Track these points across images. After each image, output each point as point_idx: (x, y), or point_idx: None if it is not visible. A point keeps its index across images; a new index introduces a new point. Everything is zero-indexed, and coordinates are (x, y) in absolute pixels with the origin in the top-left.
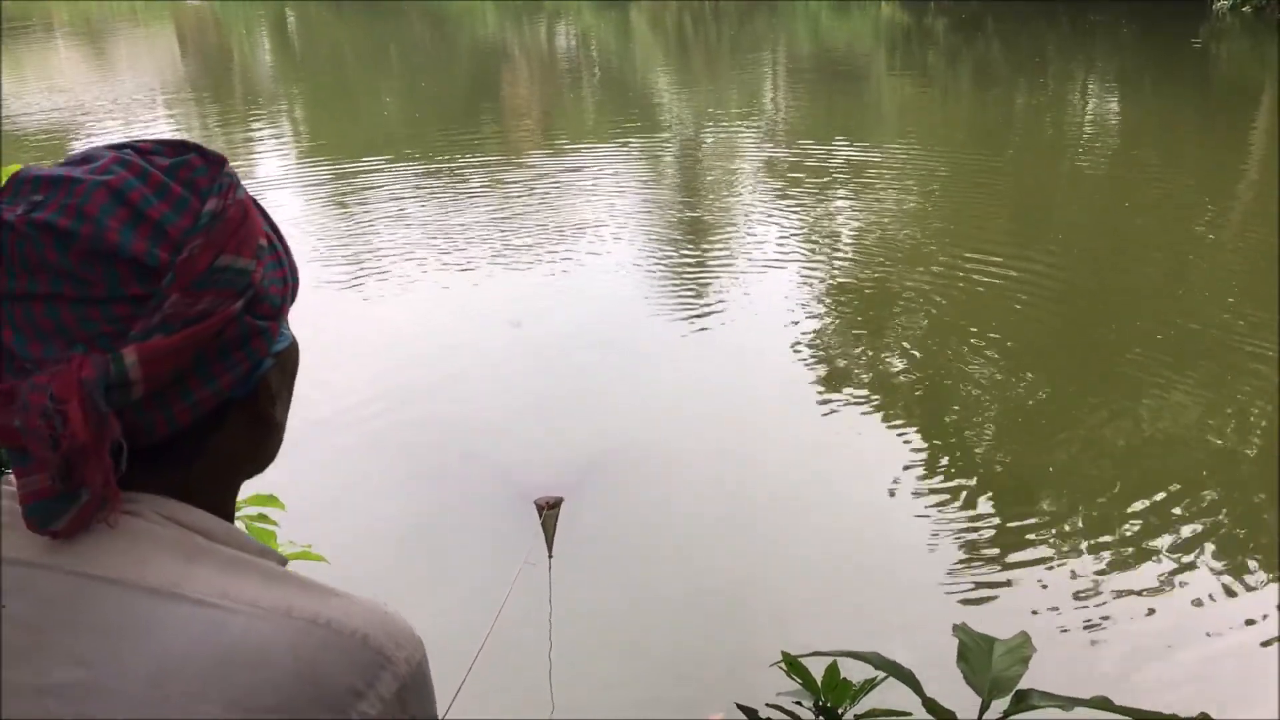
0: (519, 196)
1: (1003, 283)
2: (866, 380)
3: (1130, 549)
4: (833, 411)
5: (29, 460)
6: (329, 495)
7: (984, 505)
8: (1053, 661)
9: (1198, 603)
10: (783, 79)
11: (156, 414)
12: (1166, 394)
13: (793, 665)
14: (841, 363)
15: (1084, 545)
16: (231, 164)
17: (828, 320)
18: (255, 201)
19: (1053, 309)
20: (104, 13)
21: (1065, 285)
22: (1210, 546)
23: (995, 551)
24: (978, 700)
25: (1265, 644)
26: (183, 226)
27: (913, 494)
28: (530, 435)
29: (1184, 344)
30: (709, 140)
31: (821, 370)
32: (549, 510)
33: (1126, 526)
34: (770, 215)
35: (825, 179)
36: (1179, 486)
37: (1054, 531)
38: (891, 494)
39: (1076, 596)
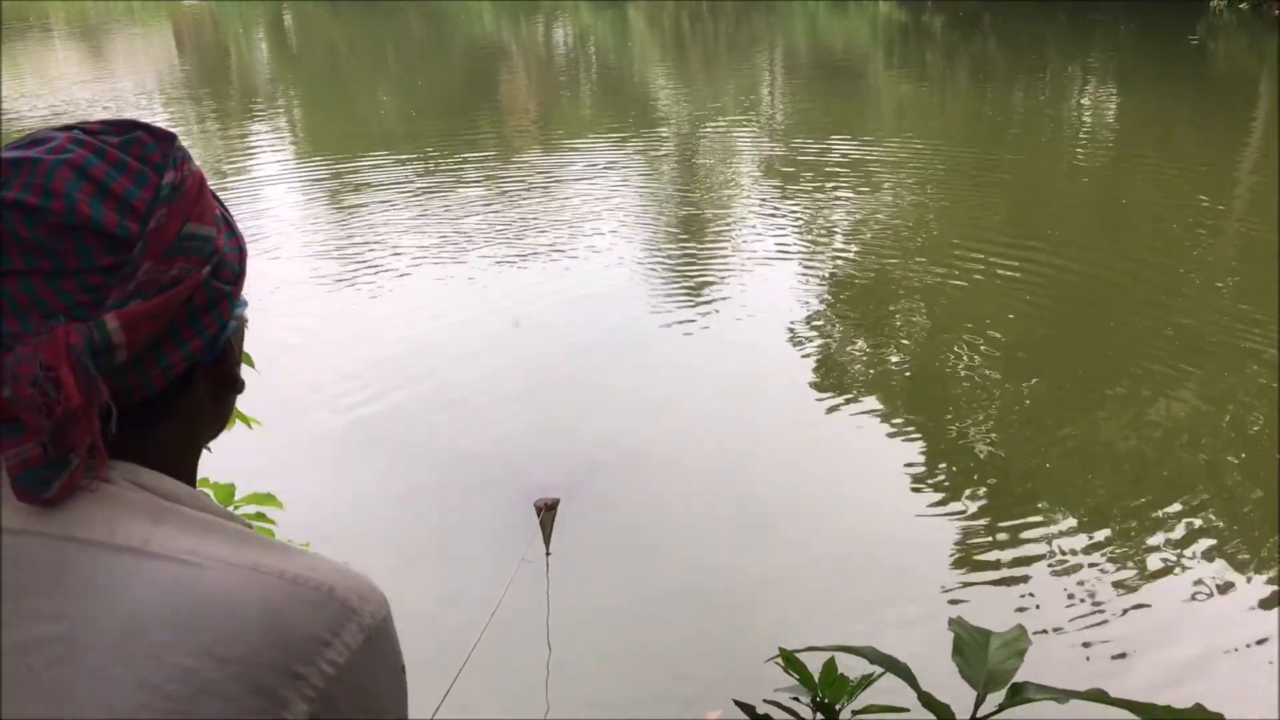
0: (517, 194)
1: (1001, 279)
2: (864, 377)
3: (1127, 544)
4: (830, 408)
5: (18, 431)
6: (327, 494)
7: (981, 501)
8: (1049, 656)
9: (1195, 598)
10: (780, 77)
11: (135, 378)
12: (1164, 390)
13: (790, 661)
14: (839, 360)
15: (1081, 541)
16: (229, 162)
17: (826, 317)
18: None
19: (1051, 305)
20: (101, 12)
21: (1064, 281)
22: (1208, 542)
23: (993, 547)
24: (974, 694)
25: (1262, 641)
26: (145, 198)
27: (910, 490)
28: (528, 433)
29: (1182, 340)
30: (707, 138)
31: (819, 367)
32: (547, 511)
33: (1123, 522)
34: (769, 212)
35: (823, 176)
36: (1177, 482)
37: (1051, 527)
38: (889, 490)
39: (1073, 591)
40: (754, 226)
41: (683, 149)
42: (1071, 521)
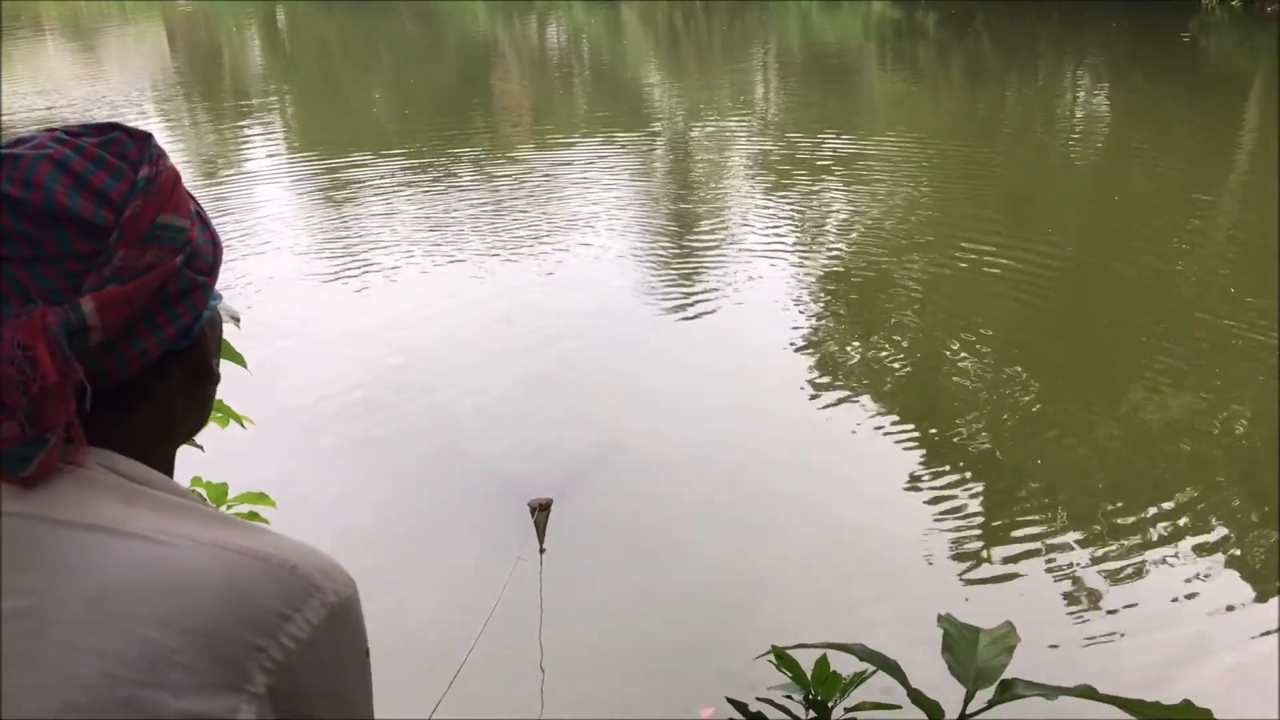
0: (510, 191)
1: (995, 275)
2: (859, 374)
3: (1119, 541)
4: (824, 406)
5: None
6: (319, 493)
7: (973, 497)
8: (1039, 653)
9: (1188, 596)
10: (774, 74)
11: (109, 360)
12: (1159, 385)
13: (782, 659)
14: (834, 357)
15: (1073, 537)
16: (221, 159)
17: (820, 314)
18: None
19: (1045, 301)
20: (93, 12)
21: (1058, 277)
22: (1201, 539)
23: (984, 543)
24: (964, 691)
25: (1256, 638)
26: (122, 190)
27: (901, 486)
28: (521, 432)
29: (1177, 334)
30: (700, 135)
31: (813, 365)
32: (540, 511)
33: (1116, 518)
34: (762, 208)
35: (817, 173)
36: (1170, 478)
37: (1043, 524)
38: (878, 487)
39: (1064, 588)
40: (748, 223)
41: (676, 146)
42: (1064, 518)
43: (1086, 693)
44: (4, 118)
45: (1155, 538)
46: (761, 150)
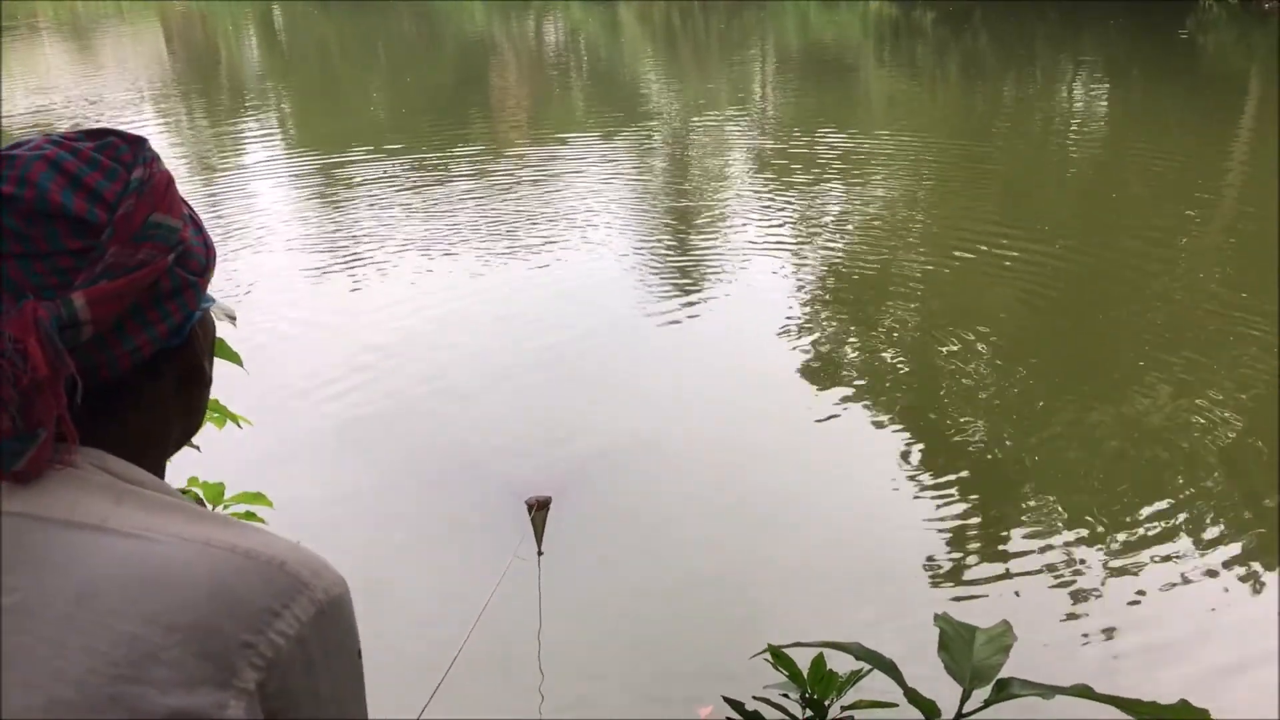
0: (507, 189)
1: (993, 273)
2: (856, 372)
3: (1118, 540)
4: (822, 404)
5: None
6: (316, 492)
7: (972, 496)
8: (1036, 652)
9: (1186, 595)
10: (771, 73)
11: (100, 356)
12: (1158, 381)
13: (779, 657)
14: (831, 355)
15: (1071, 536)
16: (217, 157)
17: (818, 313)
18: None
19: (1042, 298)
20: (90, 12)
21: (1055, 274)
22: (1200, 537)
23: (982, 542)
24: (960, 690)
25: (1255, 637)
26: (115, 190)
27: (902, 485)
28: (519, 430)
29: (1175, 332)
30: (698, 132)
31: (811, 363)
32: (539, 509)
33: (1115, 516)
34: (760, 205)
35: (815, 169)
36: (1170, 475)
37: (1041, 522)
38: (876, 485)
39: (1062, 587)
40: (746, 220)
41: (674, 143)
42: (1062, 516)
43: (1083, 692)
44: (2, 118)
45: (1153, 537)
46: (760, 148)
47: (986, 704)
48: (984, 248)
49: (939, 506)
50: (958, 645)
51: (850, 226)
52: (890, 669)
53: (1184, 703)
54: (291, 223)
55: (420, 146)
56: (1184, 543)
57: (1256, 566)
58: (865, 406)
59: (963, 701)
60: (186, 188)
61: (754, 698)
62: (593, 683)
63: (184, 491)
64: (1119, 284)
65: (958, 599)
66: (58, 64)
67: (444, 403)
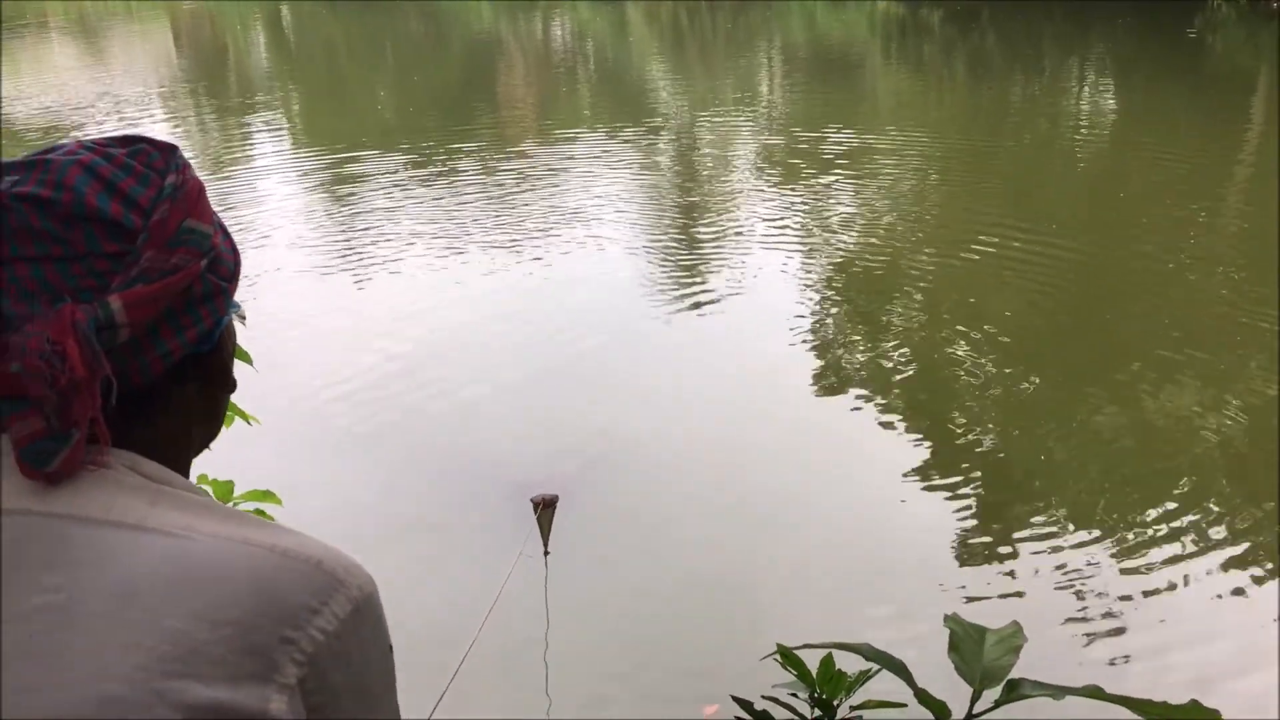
0: (515, 186)
1: (999, 271)
2: (863, 370)
3: (1127, 540)
4: (829, 401)
5: (24, 405)
6: (324, 491)
7: (979, 495)
8: (1046, 653)
9: (1196, 594)
10: (778, 71)
11: (134, 361)
12: (1164, 380)
13: (788, 658)
14: (838, 353)
15: (1080, 536)
16: (225, 155)
17: (824, 310)
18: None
19: (1049, 296)
20: (99, 11)
21: (1062, 273)
22: (1210, 537)
23: (991, 542)
24: (970, 691)
25: (1264, 637)
26: (149, 196)
27: (908, 484)
28: (525, 428)
29: (1182, 330)
30: (705, 131)
31: (817, 361)
32: (545, 508)
33: (1122, 516)
34: (766, 205)
35: (822, 168)
36: (1177, 475)
37: (1050, 522)
38: (886, 485)
39: (1072, 587)
40: (752, 218)
41: (681, 142)
42: (1070, 516)
43: (1094, 693)
44: (10, 116)
45: (1161, 537)
46: (766, 146)
47: (997, 704)
48: (991, 246)
49: (945, 506)
50: (968, 646)
51: (857, 225)
52: (900, 670)
53: (1194, 703)
54: (299, 221)
55: (428, 145)
56: (1191, 543)
57: (1263, 568)
58: (871, 405)
59: (973, 702)
60: None
61: (763, 697)
62: (599, 681)
63: None
64: (1126, 283)
65: (965, 600)
66: (66, 63)
67: (450, 400)
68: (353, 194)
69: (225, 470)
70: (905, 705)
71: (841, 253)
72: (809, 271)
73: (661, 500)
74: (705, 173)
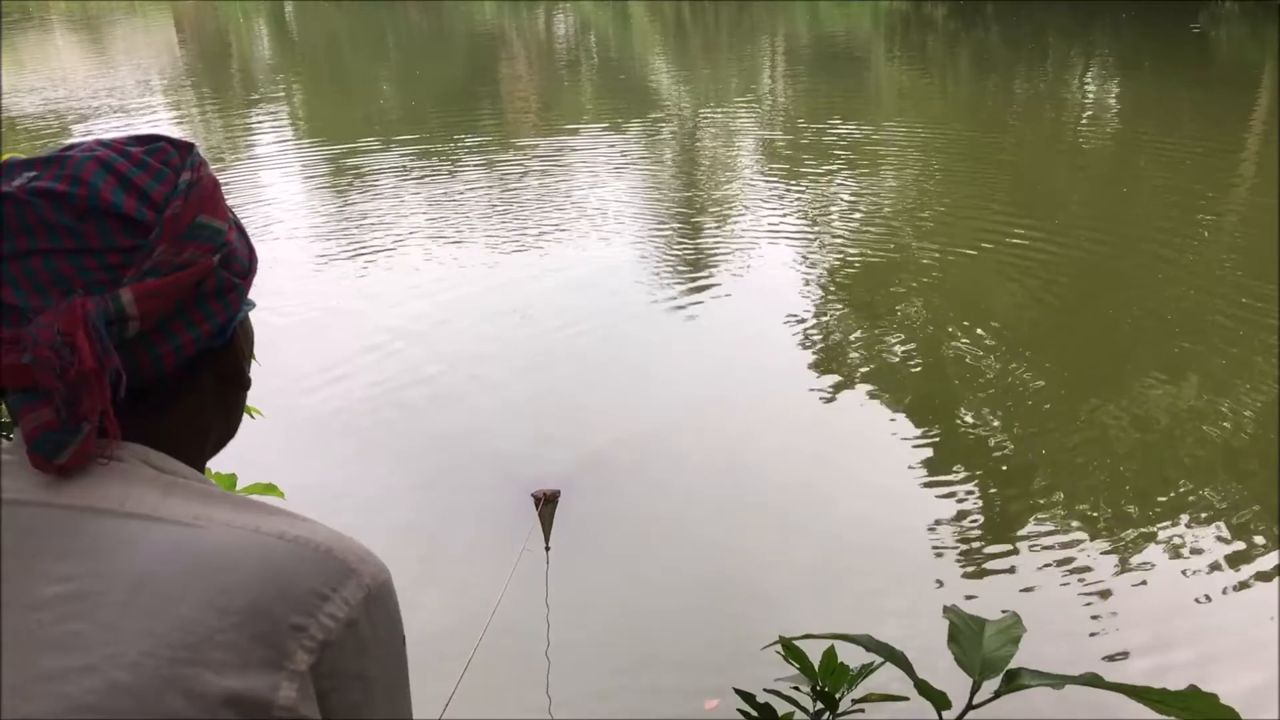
0: (517, 180)
1: (1003, 266)
2: (864, 365)
3: (1126, 532)
4: (831, 395)
5: (35, 397)
6: (326, 485)
7: (980, 488)
8: (1046, 643)
9: (1195, 586)
10: (781, 65)
11: (145, 354)
12: (1166, 375)
13: (789, 649)
14: (840, 348)
15: (1080, 528)
16: (227, 148)
17: (828, 305)
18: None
19: (1052, 290)
20: (101, 5)
21: (1066, 268)
22: (1209, 530)
23: (992, 534)
24: (970, 681)
25: (1263, 628)
26: (163, 191)
27: (911, 479)
28: (526, 422)
29: (1185, 325)
30: (708, 123)
31: (819, 356)
32: (546, 503)
33: (1123, 508)
34: (770, 197)
35: (825, 161)
36: (1177, 468)
37: (1050, 514)
38: (887, 478)
39: (1071, 579)
40: (756, 211)
41: (684, 135)
42: (1071, 508)
43: (1093, 681)
44: (13, 110)
45: (1162, 529)
46: (769, 139)
47: (997, 694)
48: (994, 241)
49: (948, 500)
50: (967, 637)
51: (860, 219)
52: (901, 661)
53: (1193, 688)
54: (302, 213)
55: (430, 138)
56: (1193, 535)
57: (1271, 560)
58: (874, 400)
59: (973, 692)
60: None
61: (765, 689)
62: (600, 676)
63: None
64: (1130, 278)
65: (967, 593)
66: (69, 56)
67: (451, 393)
68: (356, 186)
69: (226, 463)
70: (907, 699)
71: (844, 247)
72: (812, 266)
73: (663, 495)
74: (707, 166)
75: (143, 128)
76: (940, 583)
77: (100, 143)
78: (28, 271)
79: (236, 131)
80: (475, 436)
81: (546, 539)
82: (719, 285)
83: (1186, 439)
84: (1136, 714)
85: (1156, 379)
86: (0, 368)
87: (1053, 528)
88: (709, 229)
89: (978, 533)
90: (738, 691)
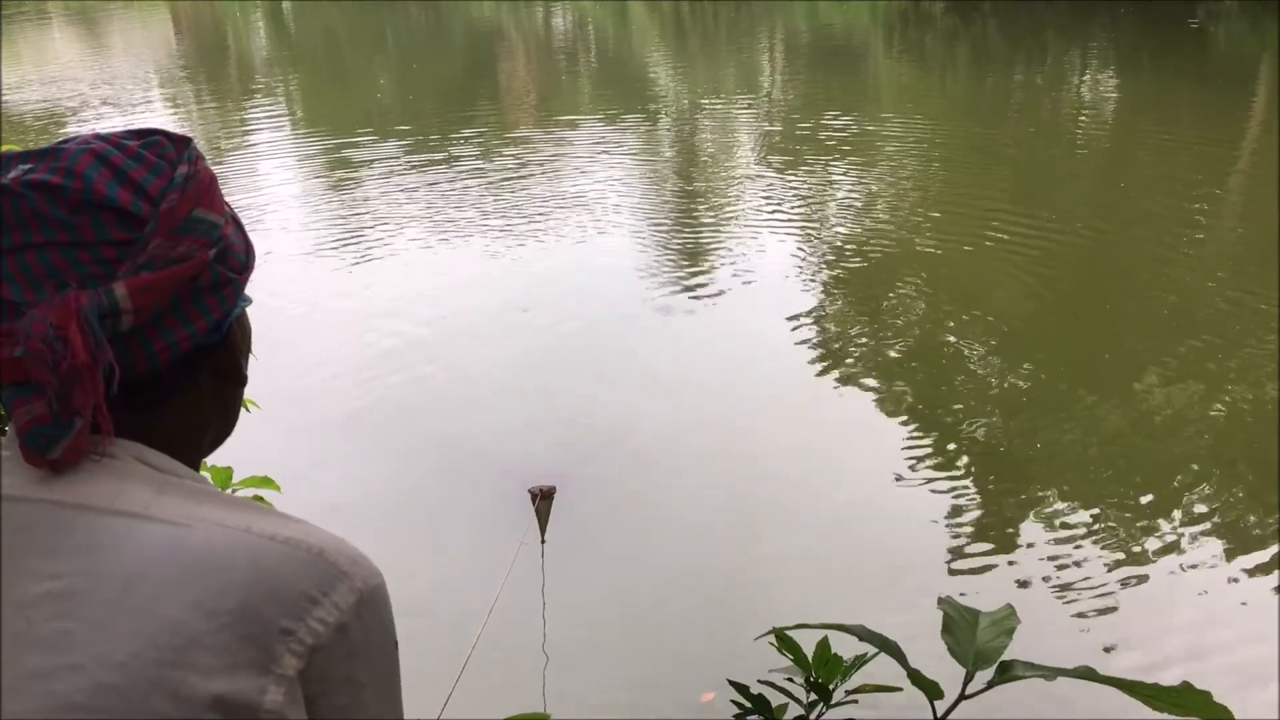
0: (515, 174)
1: (1000, 260)
2: (863, 360)
3: (1122, 525)
4: (828, 391)
5: (28, 390)
6: (322, 478)
7: (976, 481)
8: (1040, 636)
9: (1190, 580)
10: (780, 60)
11: (140, 350)
12: (1164, 370)
13: (783, 640)
14: (838, 343)
15: (1075, 521)
16: (225, 141)
17: (825, 299)
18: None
19: (1049, 285)
20: (99, 1)
21: (1064, 263)
22: (1204, 525)
23: (987, 527)
24: (964, 672)
25: (1258, 623)
26: (159, 185)
27: (908, 474)
28: (523, 417)
29: (1184, 320)
30: (707, 119)
31: (816, 350)
32: (543, 499)
33: (1119, 502)
34: (767, 193)
35: (823, 157)
36: (1173, 462)
37: (1045, 507)
38: (885, 474)
39: (1066, 572)
40: (753, 206)
41: (682, 129)
42: (1066, 501)
43: (1086, 674)
44: (11, 104)
45: (1158, 522)
46: (768, 133)
47: (990, 685)
48: (991, 236)
49: (944, 495)
50: (961, 628)
51: (857, 213)
52: (894, 651)
53: (1186, 685)
54: (298, 207)
55: (427, 132)
56: (1189, 529)
57: (1266, 555)
58: (872, 394)
59: (966, 683)
60: None
61: (759, 681)
62: (597, 670)
63: None
64: (1128, 273)
65: (962, 588)
66: (66, 50)
67: (447, 388)
68: (353, 181)
69: (223, 456)
70: (901, 689)
71: (842, 241)
72: (809, 259)
73: (660, 490)
74: (705, 160)
75: (139, 121)
76: (935, 576)
77: (96, 136)
78: (22, 265)
79: (233, 124)
80: (471, 431)
81: (543, 535)
82: (717, 279)
83: (1184, 433)
84: (1128, 709)
85: (1154, 373)
86: None
87: (1049, 522)
88: (708, 223)
89: (973, 527)
90: (732, 683)
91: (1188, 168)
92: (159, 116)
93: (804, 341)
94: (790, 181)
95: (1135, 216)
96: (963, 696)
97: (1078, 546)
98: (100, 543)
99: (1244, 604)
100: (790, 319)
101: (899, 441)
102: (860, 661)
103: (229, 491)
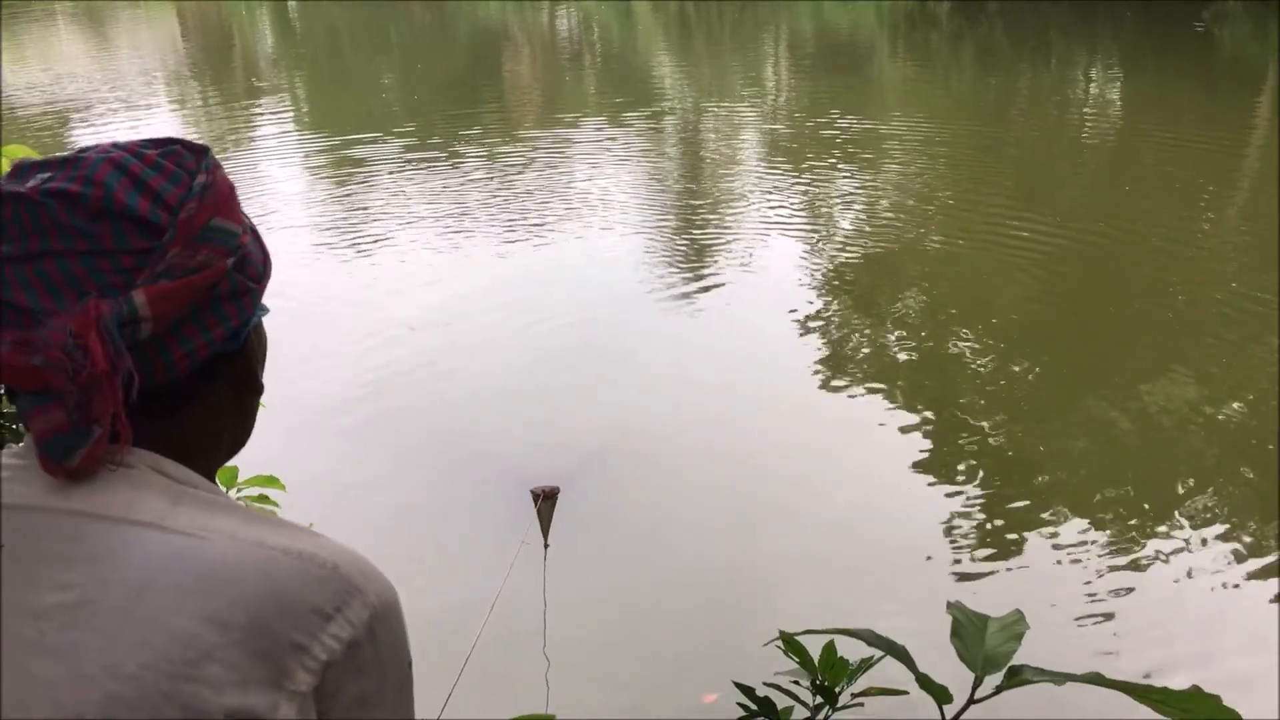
0: (518, 174)
1: (1006, 262)
2: (867, 360)
3: (1129, 529)
4: (832, 393)
5: (47, 399)
6: (326, 478)
7: (982, 484)
8: (1048, 640)
9: (1197, 584)
10: (785, 61)
11: (158, 358)
12: (1166, 372)
13: (790, 644)
14: (842, 343)
15: (1082, 524)
16: (231, 141)
17: (829, 300)
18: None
19: (1054, 286)
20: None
21: (1068, 264)
22: (1211, 528)
23: (994, 530)
24: (972, 676)
25: (1264, 626)
26: (178, 194)
27: (912, 475)
28: (526, 417)
29: (1188, 322)
30: (711, 119)
31: (819, 351)
32: (545, 500)
33: (1125, 506)
34: (770, 195)
35: (827, 158)
36: (1178, 465)
37: (1052, 511)
38: (890, 475)
39: (1073, 575)
40: (759, 204)
41: (687, 129)
42: (1072, 505)
43: (1095, 679)
44: (16, 103)
45: (1165, 525)
46: (772, 133)
47: (999, 690)
48: (997, 236)
49: (949, 496)
50: (970, 633)
51: (862, 214)
52: (902, 655)
53: (1196, 689)
54: (302, 206)
55: (432, 131)
56: (1197, 533)
57: (1271, 558)
58: (876, 395)
59: (975, 688)
60: None
61: (764, 683)
62: (599, 671)
63: None
64: (1132, 274)
65: (968, 590)
66: (73, 48)
67: (451, 388)
68: (358, 179)
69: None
70: (907, 693)
71: (847, 241)
72: (813, 260)
73: (663, 491)
74: (709, 160)
75: (145, 120)
76: (936, 578)
77: (115, 145)
78: (41, 273)
79: (238, 123)
80: (474, 431)
81: (545, 535)
82: (721, 279)
83: (1189, 435)
84: (1138, 714)
85: (1158, 374)
86: (13, 369)
87: (1056, 524)
88: (711, 222)
89: (975, 529)
90: (737, 685)
91: (1193, 169)
92: (165, 115)
93: (806, 342)
94: (794, 182)
95: (1140, 218)
96: (972, 701)
97: (1086, 550)
98: (113, 552)
99: (1253, 607)
100: (794, 319)
101: (900, 442)
102: (866, 664)
103: (236, 491)
